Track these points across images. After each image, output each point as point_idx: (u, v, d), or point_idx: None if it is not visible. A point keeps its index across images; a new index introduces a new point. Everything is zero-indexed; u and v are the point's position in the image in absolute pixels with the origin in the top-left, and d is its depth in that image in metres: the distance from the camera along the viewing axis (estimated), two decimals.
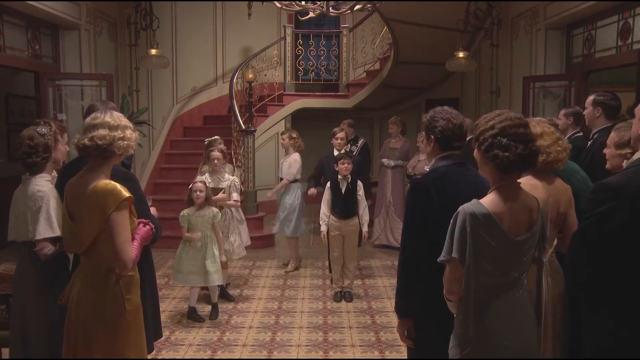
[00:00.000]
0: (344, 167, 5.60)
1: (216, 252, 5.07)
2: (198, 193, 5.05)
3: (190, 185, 5.21)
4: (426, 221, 2.56)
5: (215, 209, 5.18)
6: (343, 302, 5.65)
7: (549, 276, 2.75)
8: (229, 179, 5.69)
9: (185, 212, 5.12)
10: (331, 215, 5.69)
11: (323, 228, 5.69)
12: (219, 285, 5.35)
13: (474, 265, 2.18)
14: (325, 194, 5.77)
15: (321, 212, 5.72)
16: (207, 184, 5.28)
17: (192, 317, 5.13)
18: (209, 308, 5.31)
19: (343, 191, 5.63)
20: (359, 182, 5.72)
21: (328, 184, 5.78)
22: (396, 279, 2.77)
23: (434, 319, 2.50)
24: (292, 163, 6.64)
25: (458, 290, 2.26)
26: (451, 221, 2.23)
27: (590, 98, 4.18)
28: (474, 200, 2.21)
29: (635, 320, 2.16)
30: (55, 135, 3.21)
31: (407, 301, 2.66)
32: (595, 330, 2.26)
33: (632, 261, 2.17)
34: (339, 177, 5.65)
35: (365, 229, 5.74)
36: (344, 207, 5.65)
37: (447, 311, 2.35)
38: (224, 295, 5.68)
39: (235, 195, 5.65)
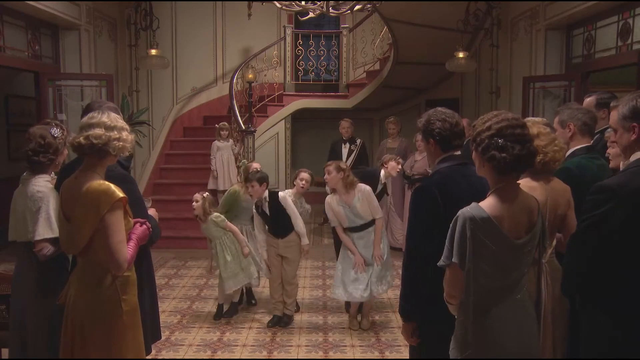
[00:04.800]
0: (251, 191, 4.94)
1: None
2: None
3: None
4: (431, 224, 2.55)
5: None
6: (343, 302, 5.59)
7: (548, 276, 2.75)
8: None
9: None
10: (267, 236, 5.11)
11: (264, 254, 5.11)
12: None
13: (474, 269, 2.17)
14: (254, 219, 5.15)
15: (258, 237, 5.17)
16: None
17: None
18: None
19: (268, 212, 4.99)
20: (281, 195, 4.98)
21: (253, 207, 5.11)
22: (400, 282, 2.75)
23: (438, 321, 2.50)
24: (369, 194, 4.87)
25: (458, 294, 2.25)
26: (451, 225, 2.22)
27: (591, 100, 4.06)
28: (473, 204, 2.20)
29: (634, 321, 2.16)
30: (65, 139, 3.22)
31: (412, 305, 2.65)
32: (594, 331, 2.26)
33: (631, 262, 2.17)
34: (257, 200, 5.02)
35: (305, 241, 5.07)
36: (274, 226, 5.04)
37: (450, 313, 2.35)
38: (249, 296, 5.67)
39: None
